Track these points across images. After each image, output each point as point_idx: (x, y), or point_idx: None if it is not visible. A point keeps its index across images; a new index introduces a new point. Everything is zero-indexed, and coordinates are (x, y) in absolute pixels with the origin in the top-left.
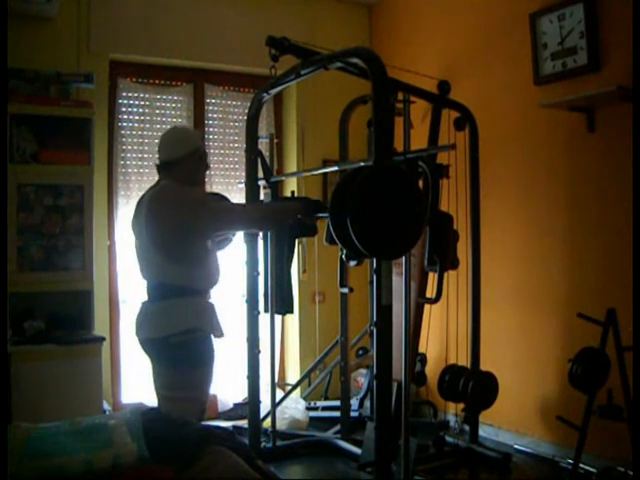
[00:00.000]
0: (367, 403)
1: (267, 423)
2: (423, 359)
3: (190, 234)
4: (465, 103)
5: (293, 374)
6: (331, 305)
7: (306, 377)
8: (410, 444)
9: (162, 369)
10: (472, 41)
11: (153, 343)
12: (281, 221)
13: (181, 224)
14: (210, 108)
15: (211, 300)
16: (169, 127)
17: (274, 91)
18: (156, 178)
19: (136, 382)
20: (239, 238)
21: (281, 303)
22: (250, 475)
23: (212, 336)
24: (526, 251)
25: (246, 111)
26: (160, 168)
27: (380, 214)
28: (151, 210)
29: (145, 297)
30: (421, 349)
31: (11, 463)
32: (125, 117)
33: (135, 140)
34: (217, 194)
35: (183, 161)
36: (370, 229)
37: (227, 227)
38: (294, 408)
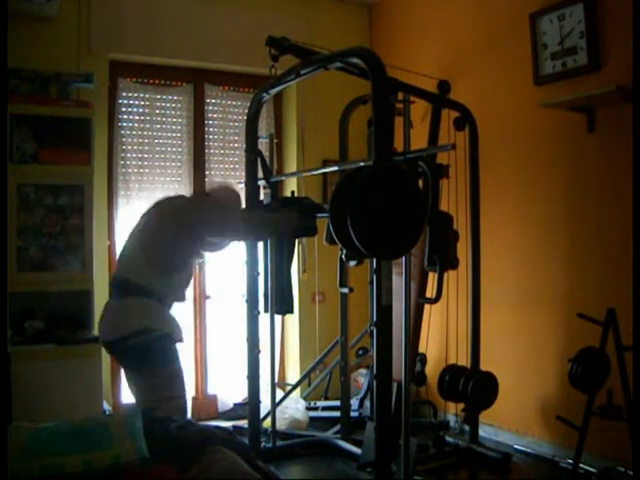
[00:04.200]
0: (367, 403)
1: (267, 423)
2: (423, 359)
3: (176, 237)
4: (465, 103)
5: (293, 374)
6: (331, 305)
7: (306, 377)
8: (410, 444)
9: (130, 375)
10: (472, 41)
11: (113, 346)
12: (276, 231)
13: (172, 225)
14: (210, 108)
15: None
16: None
17: (274, 91)
18: (156, 177)
19: None
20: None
21: (281, 303)
22: (250, 475)
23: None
24: (526, 251)
25: (246, 111)
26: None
27: (380, 214)
28: (155, 210)
29: (108, 296)
30: (421, 349)
31: (11, 463)
32: (125, 117)
33: (135, 140)
34: None
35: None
36: (370, 229)
37: (218, 233)
38: (294, 408)
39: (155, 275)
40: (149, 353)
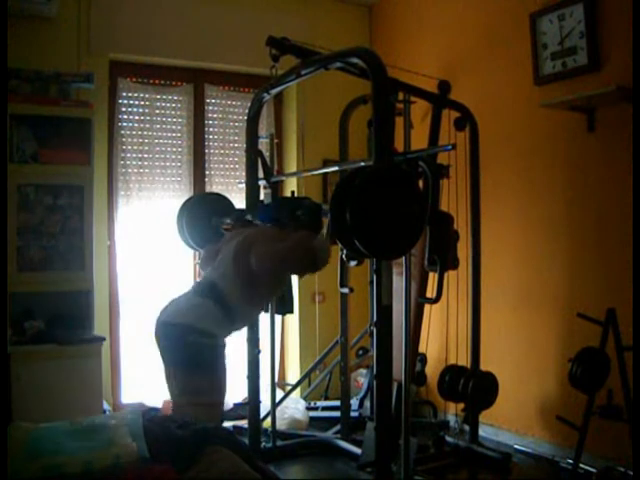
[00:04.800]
0: (367, 403)
1: (267, 423)
2: (423, 359)
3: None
4: (465, 103)
5: (293, 374)
6: (331, 305)
7: (306, 377)
8: (410, 444)
9: (180, 372)
10: (472, 41)
11: (171, 331)
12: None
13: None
14: (210, 108)
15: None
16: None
17: (274, 91)
18: (156, 178)
19: (136, 382)
20: None
21: (281, 303)
22: (250, 475)
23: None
24: (526, 251)
25: (246, 111)
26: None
27: (380, 214)
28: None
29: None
30: (421, 349)
31: (11, 463)
32: (125, 117)
33: (135, 140)
34: (217, 194)
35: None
36: (370, 229)
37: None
38: (294, 408)
39: (244, 300)
40: (210, 356)
